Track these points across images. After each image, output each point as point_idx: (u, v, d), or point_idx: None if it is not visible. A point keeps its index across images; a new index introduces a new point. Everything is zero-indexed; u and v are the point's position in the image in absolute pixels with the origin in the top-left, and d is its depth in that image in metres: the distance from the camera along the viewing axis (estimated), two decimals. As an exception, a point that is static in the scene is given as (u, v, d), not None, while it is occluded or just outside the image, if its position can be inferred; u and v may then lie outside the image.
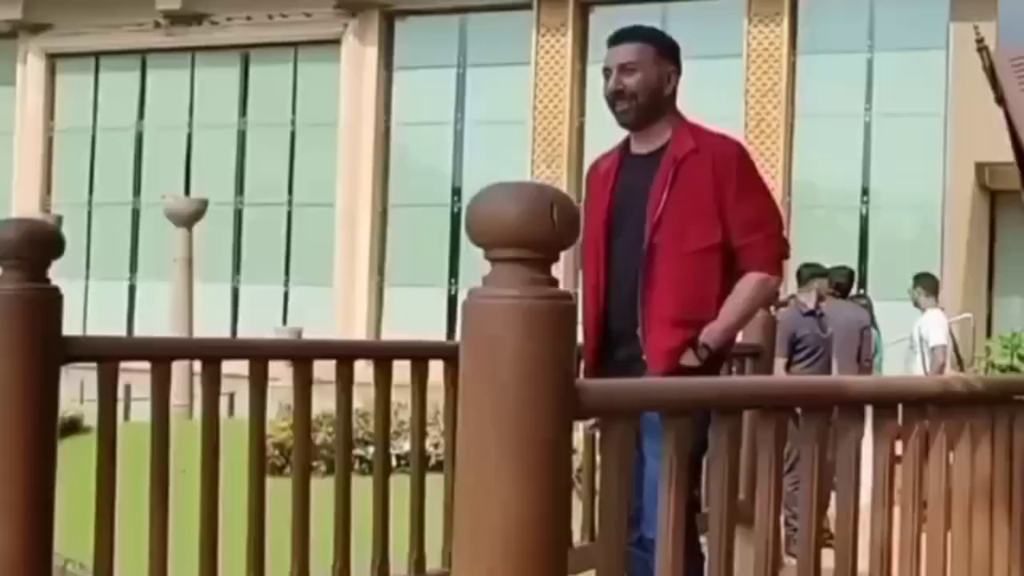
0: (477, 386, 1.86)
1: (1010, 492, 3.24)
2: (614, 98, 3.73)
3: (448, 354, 4.24)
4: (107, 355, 3.45)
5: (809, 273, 8.14)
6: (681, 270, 3.59)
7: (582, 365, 3.79)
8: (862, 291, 17.99)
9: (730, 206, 3.59)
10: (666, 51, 3.76)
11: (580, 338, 3.62)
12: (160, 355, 3.60)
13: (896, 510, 2.76)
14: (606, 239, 3.72)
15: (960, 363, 10.18)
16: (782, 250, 3.72)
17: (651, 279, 3.59)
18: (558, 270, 1.88)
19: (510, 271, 1.86)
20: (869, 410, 2.68)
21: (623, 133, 3.96)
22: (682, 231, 3.59)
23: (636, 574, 2.94)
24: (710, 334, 3.58)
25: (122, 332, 23.48)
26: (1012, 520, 3.24)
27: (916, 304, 9.99)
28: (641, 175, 3.71)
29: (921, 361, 9.85)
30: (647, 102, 3.69)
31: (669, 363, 3.54)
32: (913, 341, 9.97)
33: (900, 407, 2.76)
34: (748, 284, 3.62)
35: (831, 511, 2.71)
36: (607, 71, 3.75)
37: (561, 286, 1.88)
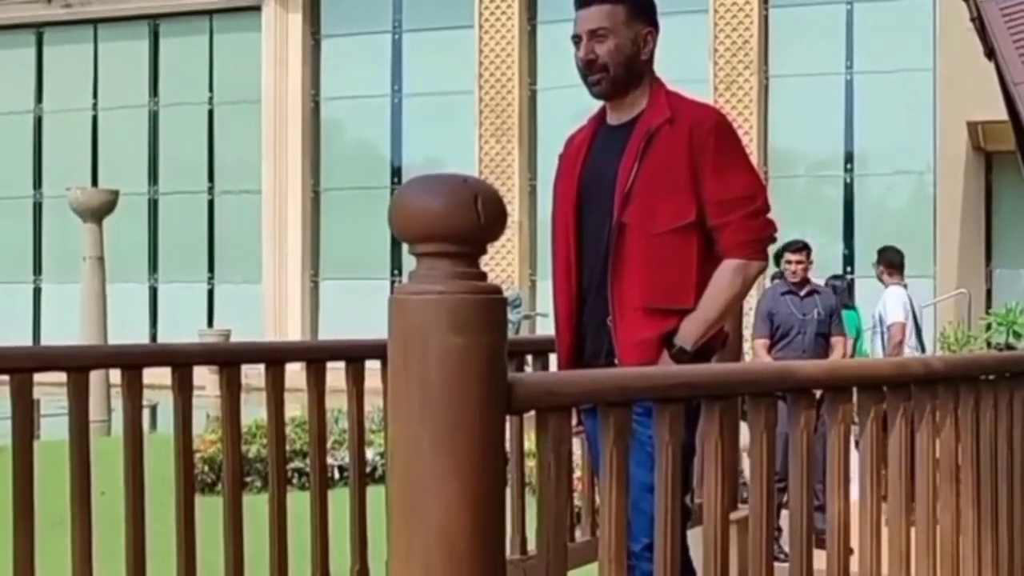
0: (405, 384, 2.06)
1: (977, 477, 3.47)
2: (586, 68, 3.78)
3: (385, 353, 4.40)
4: (19, 367, 3.62)
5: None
6: (650, 252, 3.62)
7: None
8: (848, 270, 18.35)
9: (706, 181, 3.62)
10: (639, 9, 3.80)
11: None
12: (78, 365, 3.77)
13: (854, 499, 2.97)
14: (576, 220, 3.77)
15: (921, 345, 10.58)
16: (766, 232, 3.72)
17: (619, 263, 3.63)
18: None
19: (435, 266, 2.05)
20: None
21: (580, 101, 4.05)
22: (652, 209, 3.62)
23: None
24: (684, 335, 3.60)
25: (28, 340, 23.49)
26: (981, 505, 3.47)
27: (880, 280, 10.44)
28: (613, 148, 3.75)
29: (881, 341, 10.28)
30: (622, 72, 3.74)
31: (641, 357, 3.58)
32: (875, 321, 10.45)
33: (855, 391, 2.98)
34: (725, 273, 3.63)
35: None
36: (576, 38, 3.80)
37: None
